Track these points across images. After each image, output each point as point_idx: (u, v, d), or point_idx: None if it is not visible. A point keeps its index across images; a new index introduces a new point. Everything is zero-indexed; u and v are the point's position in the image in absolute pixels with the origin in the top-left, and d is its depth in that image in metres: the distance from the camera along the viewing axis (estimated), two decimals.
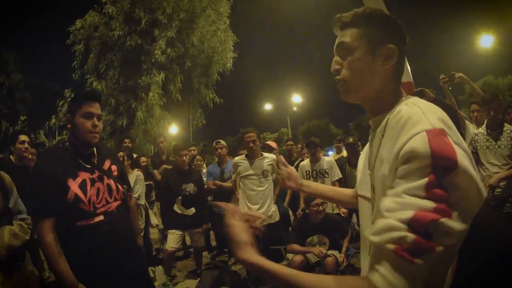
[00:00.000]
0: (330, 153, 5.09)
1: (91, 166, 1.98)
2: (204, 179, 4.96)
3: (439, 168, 0.69)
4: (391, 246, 0.70)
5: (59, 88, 25.07)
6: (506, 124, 3.68)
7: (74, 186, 1.84)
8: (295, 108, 35.73)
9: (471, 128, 4.09)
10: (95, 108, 1.94)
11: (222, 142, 5.06)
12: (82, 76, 12.05)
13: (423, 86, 4.21)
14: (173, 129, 14.16)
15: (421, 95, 4.05)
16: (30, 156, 4.10)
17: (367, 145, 1.15)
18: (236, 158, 4.08)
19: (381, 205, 0.76)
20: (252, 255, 0.89)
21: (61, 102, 11.82)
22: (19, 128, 22.80)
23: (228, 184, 4.63)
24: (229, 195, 4.53)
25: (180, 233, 4.24)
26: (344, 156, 5.86)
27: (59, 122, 11.75)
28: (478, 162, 3.71)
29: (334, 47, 1.04)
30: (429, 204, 0.68)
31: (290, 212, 5.33)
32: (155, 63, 11.41)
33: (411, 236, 0.68)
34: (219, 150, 4.95)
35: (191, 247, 5.12)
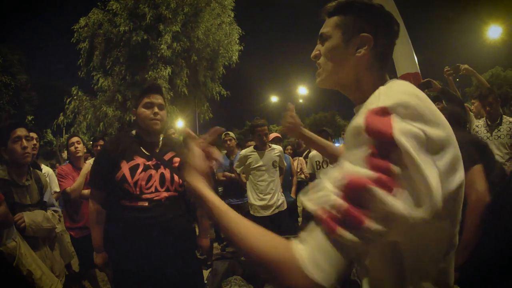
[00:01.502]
0: (337, 144, 5.11)
1: (150, 154, 2.08)
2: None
3: (379, 143, 0.67)
4: (319, 211, 0.67)
5: (65, 86, 25.31)
6: (505, 116, 3.78)
7: (125, 167, 1.97)
8: (301, 100, 35.61)
9: (474, 119, 4.19)
10: (156, 98, 2.09)
11: (231, 134, 5.10)
12: (88, 73, 12.11)
13: (431, 77, 4.18)
14: (179, 123, 14.18)
15: (428, 85, 4.06)
16: (30, 151, 4.18)
17: None
18: (245, 151, 4.09)
19: (322, 180, 0.72)
20: (199, 182, 0.88)
21: (68, 100, 11.89)
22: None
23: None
24: (239, 186, 4.56)
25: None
26: None
27: (67, 119, 11.81)
28: None
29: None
30: (368, 172, 0.65)
31: (298, 202, 5.33)
32: (161, 57, 11.40)
33: (340, 201, 0.65)
34: (228, 142, 5.00)
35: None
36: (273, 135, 5.21)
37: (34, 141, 3.73)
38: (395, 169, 0.65)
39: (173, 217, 2.04)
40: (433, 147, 0.70)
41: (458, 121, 3.94)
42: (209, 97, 13.50)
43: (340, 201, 0.65)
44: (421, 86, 4.33)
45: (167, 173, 2.05)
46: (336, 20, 1.01)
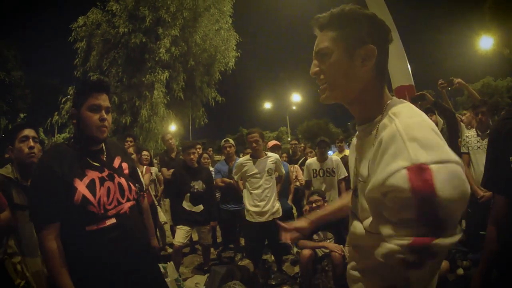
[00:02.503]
0: (330, 152, 5.21)
1: (100, 164, 1.80)
2: None
3: (422, 200, 0.75)
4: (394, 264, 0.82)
5: (60, 85, 25.12)
6: None
7: (81, 186, 1.66)
8: (294, 107, 35.91)
9: (465, 130, 4.35)
10: (103, 100, 1.75)
11: (231, 141, 5.18)
12: (84, 73, 12.03)
13: (423, 88, 4.36)
14: (172, 127, 14.21)
15: (422, 98, 4.21)
16: (37, 152, 4.18)
17: (353, 146, 1.18)
18: (241, 159, 4.21)
19: (382, 231, 0.85)
20: None
21: (63, 99, 11.83)
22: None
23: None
24: (236, 192, 4.64)
25: (188, 229, 4.33)
26: (347, 155, 5.96)
27: (62, 119, 11.76)
28: (469, 162, 3.99)
29: (314, 51, 1.04)
30: (422, 230, 0.77)
31: (294, 209, 5.44)
32: (159, 61, 11.43)
33: (411, 256, 0.78)
34: (228, 149, 5.06)
35: (197, 243, 5.21)
36: (272, 143, 5.31)
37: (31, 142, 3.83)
38: (442, 217, 0.76)
39: (139, 226, 1.94)
40: (461, 165, 0.80)
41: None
42: (204, 102, 13.56)
43: (408, 256, 0.79)
44: (415, 99, 4.47)
45: (123, 182, 1.85)
46: (333, 34, 0.99)
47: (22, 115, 25.18)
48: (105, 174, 1.78)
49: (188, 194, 4.28)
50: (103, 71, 11.85)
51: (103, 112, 1.75)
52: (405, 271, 0.83)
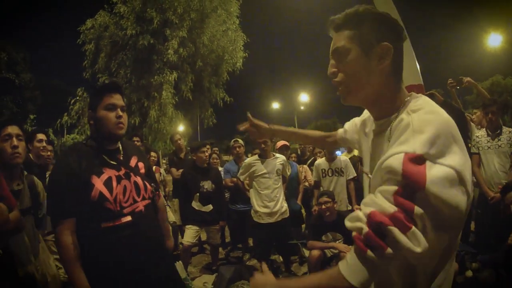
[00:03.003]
0: (339, 153, 5.21)
1: (116, 162, 1.84)
2: None
3: (408, 186, 0.76)
4: (354, 233, 0.84)
5: (69, 86, 25.38)
6: (504, 126, 3.89)
7: (98, 183, 1.70)
8: (302, 107, 35.82)
9: (475, 130, 4.32)
10: (117, 99, 1.82)
11: (240, 141, 5.20)
12: (93, 75, 12.14)
13: (432, 86, 4.34)
14: (181, 128, 14.30)
15: (431, 98, 4.19)
16: (49, 153, 4.21)
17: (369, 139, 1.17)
18: (249, 159, 4.23)
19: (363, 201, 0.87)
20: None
21: (72, 101, 11.95)
22: (28, 127, 23.08)
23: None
24: (246, 192, 4.64)
25: (197, 228, 4.36)
26: (356, 155, 5.94)
27: (71, 120, 11.89)
28: (479, 162, 3.95)
29: (330, 51, 1.04)
30: (390, 208, 0.77)
31: (303, 209, 5.44)
32: (167, 62, 11.48)
33: (365, 228, 0.80)
34: (237, 149, 5.08)
35: (205, 243, 5.24)
36: (280, 143, 5.33)
37: (44, 144, 3.68)
38: (417, 210, 0.75)
39: (153, 225, 1.98)
40: (461, 175, 0.77)
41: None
42: (213, 102, 13.57)
43: (364, 228, 0.80)
44: None
45: (139, 181, 1.89)
46: (350, 33, 0.98)
47: (32, 116, 25.43)
48: (121, 172, 1.82)
49: (198, 194, 4.31)
50: (112, 73, 11.95)
51: (119, 110, 1.80)
52: (358, 249, 0.82)
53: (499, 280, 3.16)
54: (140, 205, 1.84)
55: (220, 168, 5.38)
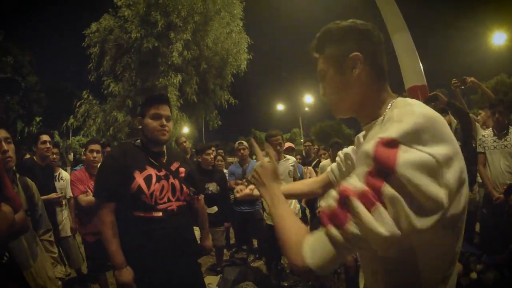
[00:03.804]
0: None
1: (159, 164, 2.07)
2: None
3: (379, 167, 0.76)
4: (320, 209, 0.86)
5: (75, 89, 25.57)
6: (511, 126, 3.85)
7: (139, 178, 1.93)
8: (307, 109, 35.72)
9: (480, 130, 4.26)
10: (163, 110, 2.06)
11: (245, 143, 5.21)
12: (98, 77, 12.24)
13: (437, 86, 4.33)
14: (185, 130, 14.33)
15: (435, 99, 4.17)
16: (54, 156, 4.23)
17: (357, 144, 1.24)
18: (260, 162, 4.18)
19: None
20: (273, 182, 1.18)
21: (78, 103, 12.03)
22: (34, 129, 23.27)
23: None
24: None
25: None
26: None
27: (77, 122, 11.98)
28: (485, 162, 3.94)
29: None
30: (359, 185, 0.77)
31: (307, 211, 5.46)
32: (172, 65, 11.52)
33: (334, 204, 0.80)
34: (242, 151, 5.08)
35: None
36: (286, 145, 5.34)
37: (48, 145, 3.72)
38: (386, 189, 0.73)
39: (184, 226, 2.13)
40: (441, 166, 0.75)
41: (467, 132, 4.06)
42: (217, 104, 13.60)
43: (333, 203, 0.81)
44: (428, 100, 4.45)
45: (176, 183, 2.08)
46: (324, 55, 1.07)
47: (37, 119, 25.70)
48: (162, 173, 2.05)
49: (203, 195, 4.34)
50: (117, 76, 12.03)
51: (163, 119, 2.05)
52: (321, 225, 0.83)
53: (504, 282, 3.15)
54: (174, 205, 2.03)
55: (224, 170, 5.41)
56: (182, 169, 2.18)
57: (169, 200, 2.02)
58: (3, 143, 2.04)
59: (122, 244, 1.92)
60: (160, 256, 1.93)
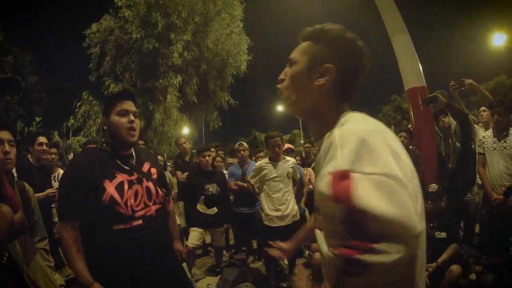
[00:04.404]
0: None
1: (129, 167, 1.90)
2: None
3: (345, 209, 0.78)
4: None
5: (75, 89, 25.59)
6: (511, 128, 3.81)
7: (110, 187, 1.75)
8: None
9: (480, 131, 4.25)
10: (129, 105, 1.89)
11: (245, 144, 5.24)
12: (99, 78, 12.26)
13: (436, 87, 4.35)
14: (185, 131, 14.36)
15: (434, 100, 4.18)
16: (53, 156, 4.22)
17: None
18: (260, 162, 4.19)
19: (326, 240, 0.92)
20: None
21: (78, 104, 12.06)
22: (34, 129, 23.25)
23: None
24: (250, 196, 4.67)
25: (202, 231, 4.40)
26: None
27: (77, 123, 12.01)
28: (485, 163, 3.92)
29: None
30: (349, 241, 0.78)
31: (307, 212, 5.46)
32: (172, 66, 11.54)
33: (344, 265, 0.79)
34: (242, 152, 5.11)
35: (209, 245, 5.27)
36: (285, 146, 5.35)
37: (44, 147, 3.69)
38: (371, 231, 0.76)
39: (164, 229, 2.04)
40: (398, 181, 0.78)
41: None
42: (217, 105, 13.62)
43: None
44: (427, 101, 4.47)
45: (151, 186, 1.94)
46: (306, 46, 1.06)
47: (37, 119, 25.67)
48: (134, 177, 1.88)
49: (203, 196, 4.34)
50: (117, 76, 12.05)
51: (131, 115, 1.88)
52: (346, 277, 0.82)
53: (503, 284, 3.16)
54: (152, 209, 1.89)
55: (224, 171, 5.41)
56: (153, 170, 2.04)
57: (146, 206, 1.87)
58: (6, 144, 2.08)
59: (106, 262, 1.75)
60: (147, 262, 1.82)
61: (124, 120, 1.85)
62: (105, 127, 1.90)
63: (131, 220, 1.78)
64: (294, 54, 1.08)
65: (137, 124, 1.90)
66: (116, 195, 1.76)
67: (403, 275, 0.86)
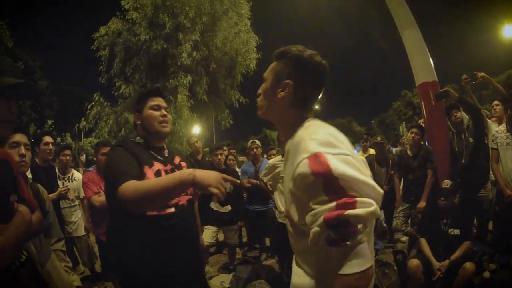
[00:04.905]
0: (355, 152, 5.16)
1: (163, 158, 1.99)
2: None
3: (327, 179, 0.96)
4: (321, 244, 0.98)
5: (85, 92, 25.93)
6: None
7: (150, 173, 1.82)
8: (316, 107, 35.63)
9: (493, 126, 4.16)
10: (161, 101, 2.02)
11: (257, 142, 5.27)
12: (109, 80, 12.36)
13: (447, 81, 4.27)
14: (196, 130, 14.39)
15: (446, 95, 4.13)
16: (67, 158, 4.24)
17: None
18: (273, 160, 4.19)
19: (306, 220, 1.02)
20: None
21: (89, 105, 12.19)
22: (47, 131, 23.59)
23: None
24: (263, 193, 4.70)
25: (215, 229, 4.45)
26: (372, 154, 5.93)
27: (89, 124, 12.15)
28: (498, 158, 3.79)
29: None
30: (331, 204, 0.94)
31: None
32: (181, 66, 11.59)
33: (330, 232, 0.94)
34: (255, 150, 5.15)
35: (223, 243, 5.32)
36: None
37: (50, 146, 3.72)
38: (348, 189, 0.95)
39: (194, 221, 2.16)
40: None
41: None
42: (228, 104, 13.65)
43: (329, 232, 0.95)
44: (439, 96, 4.41)
45: None
46: (273, 65, 1.28)
47: (49, 122, 26.07)
48: (168, 168, 1.97)
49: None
50: (127, 77, 12.14)
51: (163, 110, 2.00)
52: (331, 249, 0.97)
53: None
54: (183, 199, 1.95)
55: (237, 169, 5.44)
56: (183, 163, 2.13)
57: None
58: (22, 147, 2.15)
59: (136, 244, 1.77)
60: (176, 250, 1.86)
61: (157, 113, 1.97)
62: (139, 122, 2.01)
63: (164, 207, 1.83)
64: (266, 73, 1.30)
65: (169, 118, 2.03)
66: None
67: (369, 238, 1.03)
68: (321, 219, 0.94)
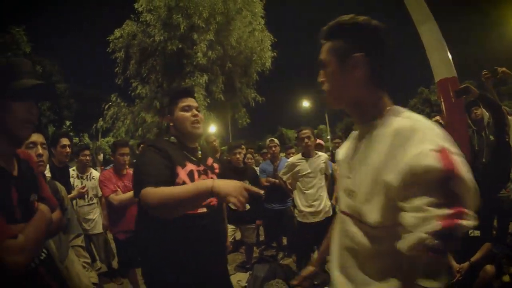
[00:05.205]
0: None
1: (196, 159, 1.99)
2: None
3: (449, 180, 0.81)
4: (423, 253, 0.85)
5: (102, 93, 26.43)
6: None
7: (183, 173, 1.82)
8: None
9: None
10: (192, 102, 1.99)
11: (276, 140, 5.26)
12: (125, 81, 12.57)
13: (463, 76, 4.12)
14: (212, 129, 14.47)
15: (466, 92, 4.03)
16: (87, 158, 4.29)
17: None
18: (292, 158, 4.20)
19: (405, 221, 0.85)
20: None
21: (106, 106, 12.43)
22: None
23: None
24: (281, 192, 4.68)
25: (233, 227, 4.44)
26: None
27: (106, 124, 12.41)
28: None
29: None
30: (448, 211, 0.80)
31: (337, 208, 5.43)
32: (197, 65, 11.67)
33: (438, 242, 0.80)
34: (273, 148, 5.12)
35: (240, 242, 5.34)
36: (320, 142, 5.31)
37: (68, 149, 3.68)
38: (465, 199, 0.81)
39: (223, 221, 2.15)
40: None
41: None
42: (244, 103, 13.70)
43: (438, 242, 0.81)
44: (459, 93, 4.30)
45: (215, 178, 1.99)
46: (330, 45, 1.08)
47: (68, 123, 26.63)
48: (201, 168, 1.96)
49: None
50: (143, 78, 12.31)
51: (194, 110, 1.98)
52: (426, 260, 0.88)
53: None
54: (214, 200, 1.93)
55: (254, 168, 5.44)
56: (216, 165, 2.13)
57: None
58: (39, 147, 2.16)
59: (169, 243, 1.78)
60: (205, 251, 1.86)
61: (188, 114, 1.94)
62: (171, 124, 2.00)
63: (197, 207, 1.84)
64: (322, 55, 1.10)
65: (201, 117, 2.01)
66: (188, 181, 1.82)
67: None
68: (435, 224, 0.80)
